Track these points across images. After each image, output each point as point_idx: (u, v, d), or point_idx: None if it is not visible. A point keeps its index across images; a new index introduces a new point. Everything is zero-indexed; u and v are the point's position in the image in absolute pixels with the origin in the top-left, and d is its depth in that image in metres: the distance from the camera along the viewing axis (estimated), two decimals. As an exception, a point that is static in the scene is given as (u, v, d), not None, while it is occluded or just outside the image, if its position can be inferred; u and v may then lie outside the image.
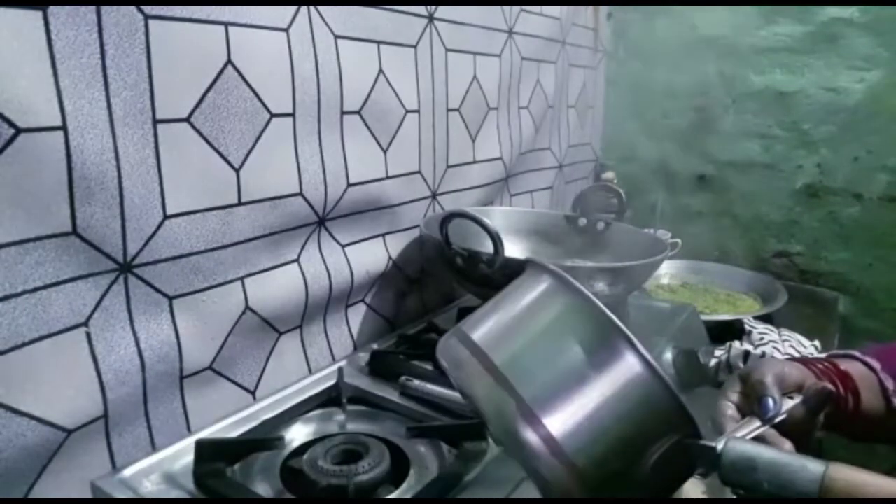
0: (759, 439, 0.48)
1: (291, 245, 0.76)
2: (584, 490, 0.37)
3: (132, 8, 0.54)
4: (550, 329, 0.42)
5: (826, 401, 0.50)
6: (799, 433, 0.49)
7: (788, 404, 0.49)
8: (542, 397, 0.38)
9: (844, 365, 0.56)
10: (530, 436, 0.37)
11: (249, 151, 0.67)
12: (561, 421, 0.37)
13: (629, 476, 0.38)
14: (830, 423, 0.53)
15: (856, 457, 0.41)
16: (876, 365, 0.56)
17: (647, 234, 1.10)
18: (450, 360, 0.44)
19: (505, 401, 0.38)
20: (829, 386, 0.51)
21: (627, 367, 0.38)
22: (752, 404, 0.49)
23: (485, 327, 0.45)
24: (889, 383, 0.55)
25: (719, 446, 0.39)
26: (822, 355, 0.61)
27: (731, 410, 0.51)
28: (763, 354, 0.81)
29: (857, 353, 0.58)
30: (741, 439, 0.41)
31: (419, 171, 0.95)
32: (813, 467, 0.37)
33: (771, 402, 0.48)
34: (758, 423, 0.47)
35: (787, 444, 0.47)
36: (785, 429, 0.48)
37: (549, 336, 0.42)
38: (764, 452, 0.39)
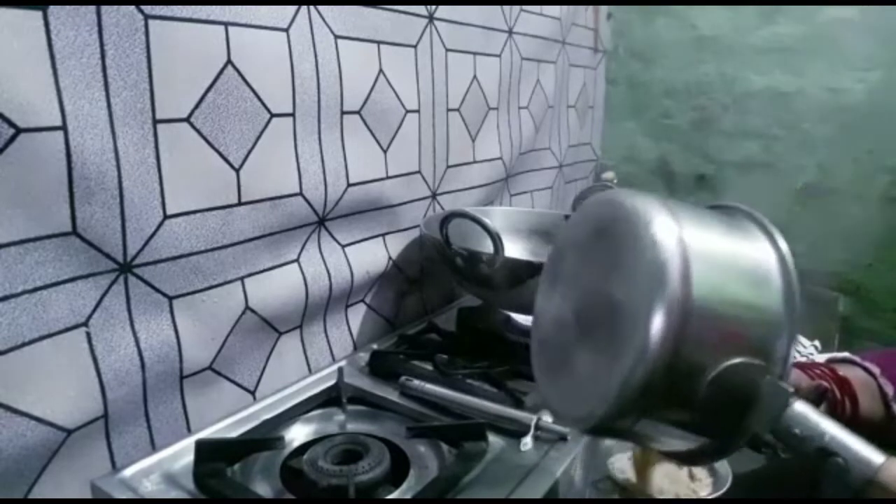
0: (756, 434, 0.48)
1: (291, 245, 0.76)
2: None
3: (132, 8, 0.54)
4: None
5: (821, 398, 0.50)
6: None
7: None
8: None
9: (843, 370, 0.56)
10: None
11: (249, 151, 0.67)
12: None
13: (682, 394, 0.37)
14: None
15: None
16: (875, 370, 0.56)
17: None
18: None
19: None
20: (824, 383, 0.51)
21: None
22: None
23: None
24: (889, 388, 0.55)
25: (792, 398, 0.38)
26: (821, 360, 0.61)
27: None
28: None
29: (856, 359, 0.58)
30: (807, 405, 0.40)
31: (419, 171, 0.95)
32: (872, 453, 0.37)
33: None
34: None
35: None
36: None
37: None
38: (827, 424, 0.38)
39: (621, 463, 0.63)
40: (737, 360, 0.37)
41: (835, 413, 0.53)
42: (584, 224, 0.46)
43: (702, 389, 0.37)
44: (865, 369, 0.56)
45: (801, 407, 0.38)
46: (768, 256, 0.40)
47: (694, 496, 0.59)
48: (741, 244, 0.41)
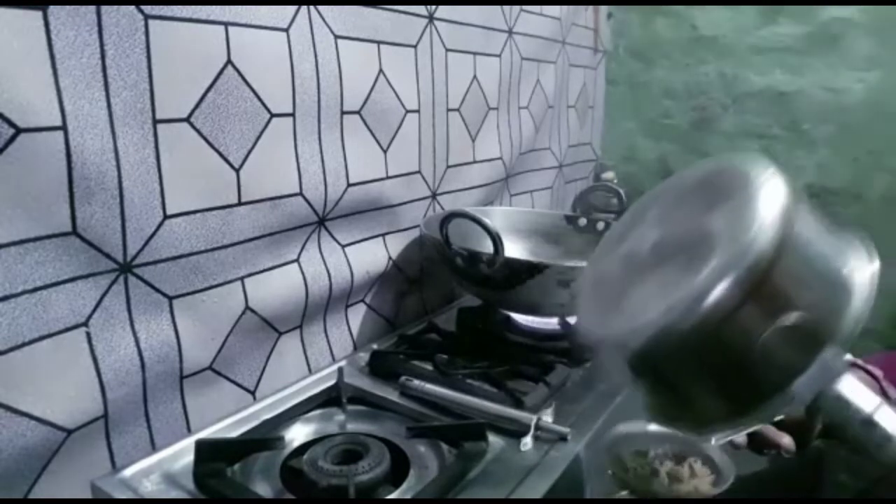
0: (759, 435, 0.48)
1: (291, 245, 0.76)
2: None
3: (132, 8, 0.54)
4: None
5: None
6: (797, 432, 0.49)
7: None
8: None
9: None
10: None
11: (249, 151, 0.67)
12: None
13: (738, 351, 0.36)
14: (831, 431, 0.53)
15: (857, 480, 0.41)
16: (878, 373, 0.56)
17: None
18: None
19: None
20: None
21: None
22: None
23: None
24: (892, 392, 0.55)
25: (836, 376, 0.38)
26: None
27: None
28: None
29: (858, 361, 0.58)
30: (855, 384, 0.40)
31: (419, 171, 0.95)
32: None
33: None
34: None
35: (786, 438, 0.47)
36: (783, 427, 0.48)
37: None
38: (886, 406, 0.38)
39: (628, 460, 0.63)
40: (800, 318, 0.36)
41: None
42: (688, 177, 0.46)
43: (764, 335, 0.35)
44: (868, 372, 0.56)
45: (850, 379, 0.38)
46: (863, 263, 0.40)
47: (695, 493, 0.59)
48: (842, 238, 0.41)
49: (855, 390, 0.37)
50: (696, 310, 0.34)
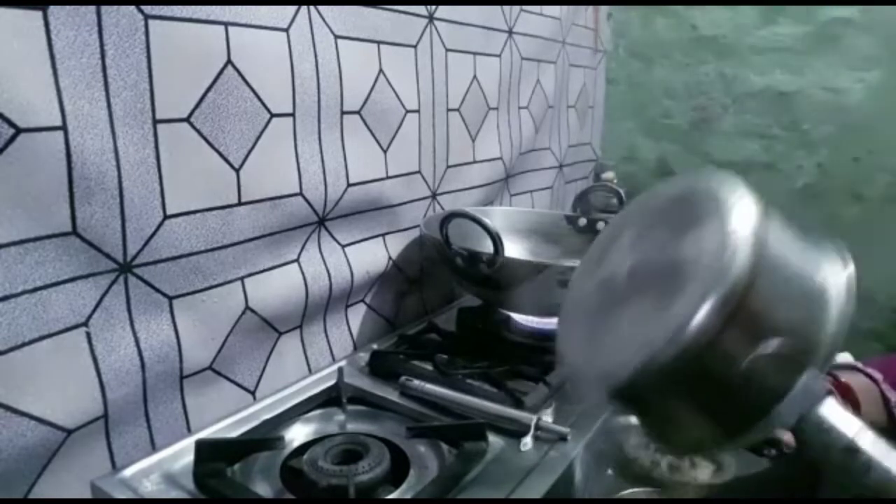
0: None
1: (291, 245, 0.76)
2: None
3: (132, 8, 0.54)
4: None
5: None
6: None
7: None
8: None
9: (845, 377, 0.56)
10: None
11: (249, 151, 0.67)
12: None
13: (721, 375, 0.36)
14: (812, 457, 0.53)
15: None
16: (878, 376, 0.56)
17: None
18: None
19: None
20: (829, 385, 0.51)
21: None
22: None
23: None
24: (891, 395, 0.55)
25: (819, 398, 0.37)
26: None
27: None
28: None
29: (858, 365, 0.58)
30: (838, 407, 0.39)
31: (419, 171, 0.95)
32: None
33: None
34: None
35: (788, 435, 0.47)
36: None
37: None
38: (868, 431, 0.37)
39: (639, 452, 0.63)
40: (780, 344, 0.36)
41: None
42: (660, 196, 0.46)
43: (743, 363, 0.35)
44: (868, 375, 0.56)
45: (832, 404, 0.37)
46: (837, 270, 0.40)
47: (695, 483, 0.59)
48: (815, 247, 0.41)
49: (836, 415, 0.37)
50: (676, 342, 0.34)
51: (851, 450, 0.36)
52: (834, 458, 0.37)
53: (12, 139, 0.47)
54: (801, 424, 0.37)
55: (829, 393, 0.52)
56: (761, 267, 0.35)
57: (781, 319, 0.36)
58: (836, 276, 0.39)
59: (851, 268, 0.39)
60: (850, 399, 0.54)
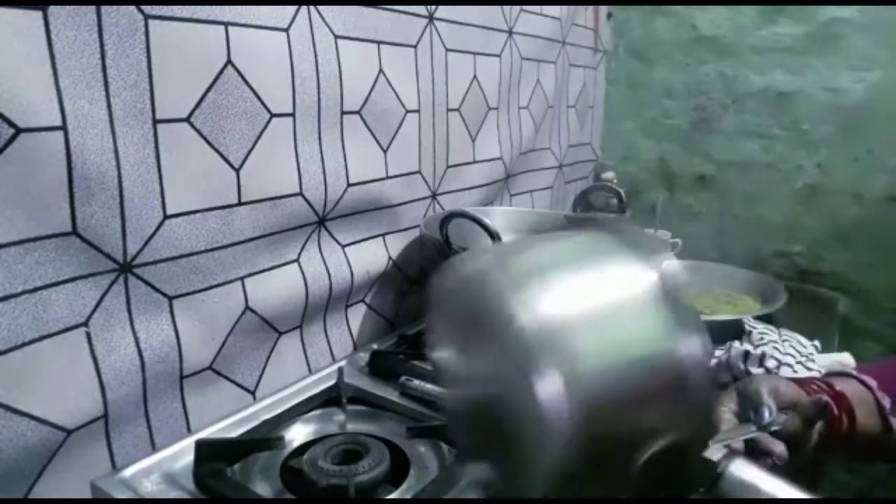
0: (753, 443, 0.48)
1: (291, 245, 0.76)
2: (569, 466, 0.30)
3: (132, 8, 0.54)
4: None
5: (821, 413, 0.50)
6: (794, 445, 0.49)
7: (783, 417, 0.50)
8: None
9: (840, 385, 0.56)
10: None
11: (249, 151, 0.67)
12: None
13: (618, 466, 0.32)
14: (826, 444, 0.53)
15: (856, 479, 0.40)
16: (872, 383, 0.56)
17: (647, 234, 1.10)
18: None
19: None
20: (825, 398, 0.51)
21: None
22: (749, 412, 0.50)
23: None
24: (886, 402, 0.55)
25: (722, 464, 0.35)
26: (818, 375, 0.61)
27: (727, 415, 0.52)
28: (763, 354, 0.81)
29: (853, 372, 0.58)
30: (746, 463, 0.37)
31: (419, 171, 0.95)
32: None
33: (766, 410, 0.49)
34: (753, 429, 0.47)
35: (779, 446, 0.47)
36: (778, 436, 0.48)
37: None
38: (765, 482, 0.36)
39: None
40: (655, 446, 0.31)
41: (832, 429, 0.53)
42: (459, 304, 0.39)
43: (631, 472, 0.31)
44: (862, 382, 0.56)
45: (737, 467, 0.36)
46: (639, 285, 0.33)
47: None
48: (612, 284, 0.33)
49: (741, 477, 0.36)
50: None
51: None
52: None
53: (12, 139, 0.47)
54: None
55: (825, 405, 0.51)
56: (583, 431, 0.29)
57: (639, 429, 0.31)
58: (642, 291, 0.33)
59: (653, 264, 0.34)
60: (845, 408, 0.54)
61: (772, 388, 0.51)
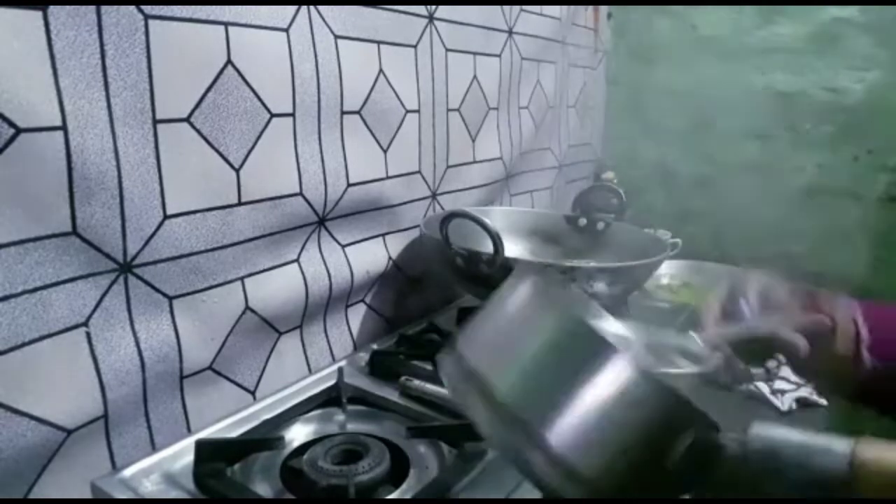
0: (772, 337, 0.48)
1: (291, 245, 0.76)
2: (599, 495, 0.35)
3: (132, 8, 0.54)
4: (541, 343, 0.40)
5: (828, 334, 0.49)
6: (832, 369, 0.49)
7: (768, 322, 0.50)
8: (545, 417, 0.35)
9: (828, 306, 0.55)
10: (538, 456, 0.35)
11: (249, 151, 0.67)
12: (567, 437, 0.35)
13: (652, 478, 0.35)
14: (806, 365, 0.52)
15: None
16: (859, 318, 0.54)
17: (647, 234, 1.10)
18: (450, 383, 0.43)
19: (508, 425, 0.37)
20: (826, 320, 0.50)
21: (618, 372, 0.35)
22: (735, 304, 0.51)
23: (479, 348, 0.44)
24: (866, 335, 0.53)
25: (746, 434, 0.36)
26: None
27: (715, 308, 0.52)
28: (763, 354, 0.81)
29: (845, 299, 0.57)
30: (766, 424, 0.38)
31: (419, 171, 0.95)
32: (839, 447, 0.34)
33: (745, 306, 0.50)
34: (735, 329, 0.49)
35: (802, 340, 0.47)
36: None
37: (543, 351, 0.39)
38: (792, 436, 0.36)
39: None
40: (675, 453, 0.34)
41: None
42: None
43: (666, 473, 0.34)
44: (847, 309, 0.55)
45: (760, 434, 0.36)
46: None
47: None
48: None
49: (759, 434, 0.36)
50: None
51: (785, 468, 0.36)
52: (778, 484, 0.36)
53: (12, 139, 0.47)
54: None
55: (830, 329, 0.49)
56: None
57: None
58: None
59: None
60: (826, 314, 0.53)
61: (763, 288, 0.50)
